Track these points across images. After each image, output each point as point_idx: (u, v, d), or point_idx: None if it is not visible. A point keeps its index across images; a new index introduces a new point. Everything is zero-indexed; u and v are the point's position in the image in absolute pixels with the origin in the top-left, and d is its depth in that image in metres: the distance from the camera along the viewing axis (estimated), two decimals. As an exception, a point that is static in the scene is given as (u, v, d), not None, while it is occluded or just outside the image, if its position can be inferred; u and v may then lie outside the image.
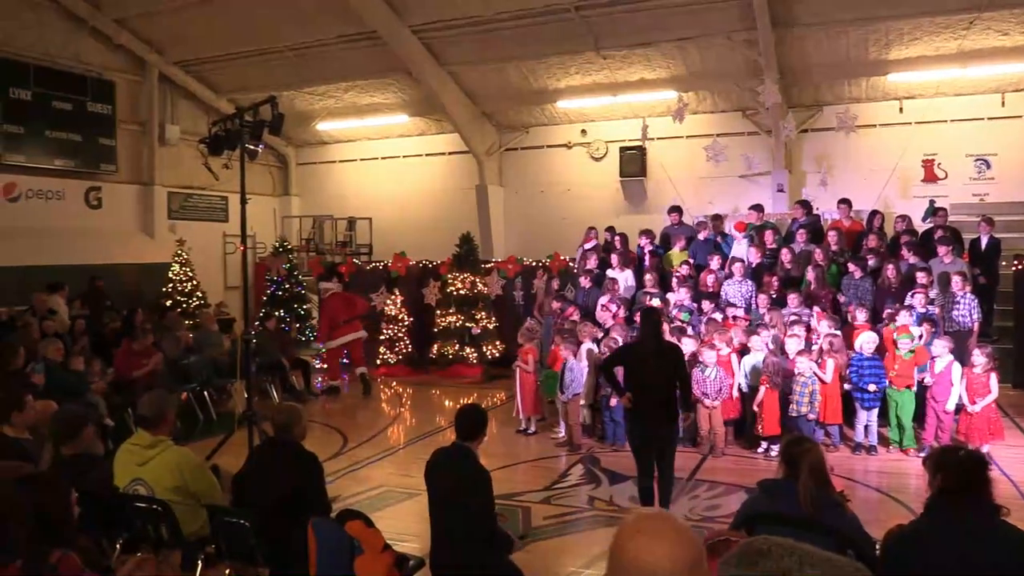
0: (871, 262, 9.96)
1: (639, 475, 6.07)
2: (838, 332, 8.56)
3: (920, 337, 8.22)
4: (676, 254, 11.57)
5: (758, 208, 12.10)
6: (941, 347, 7.79)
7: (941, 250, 9.89)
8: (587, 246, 12.56)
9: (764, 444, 8.08)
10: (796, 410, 7.77)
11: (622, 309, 9.92)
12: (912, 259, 9.94)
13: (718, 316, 9.35)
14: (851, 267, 9.86)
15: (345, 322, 11.80)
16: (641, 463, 6.01)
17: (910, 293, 9.17)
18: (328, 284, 12.51)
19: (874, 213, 11.42)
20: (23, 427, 5.09)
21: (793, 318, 8.78)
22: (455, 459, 4.29)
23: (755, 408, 8.08)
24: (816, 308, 9.16)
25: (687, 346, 8.46)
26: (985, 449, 7.51)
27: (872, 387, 7.89)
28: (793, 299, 9.27)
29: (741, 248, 11.21)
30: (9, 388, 5.86)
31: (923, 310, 8.80)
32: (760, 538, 1.22)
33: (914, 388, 7.92)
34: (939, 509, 3.03)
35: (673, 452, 6.05)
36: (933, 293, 9.29)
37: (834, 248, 10.59)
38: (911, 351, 7.93)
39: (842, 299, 9.68)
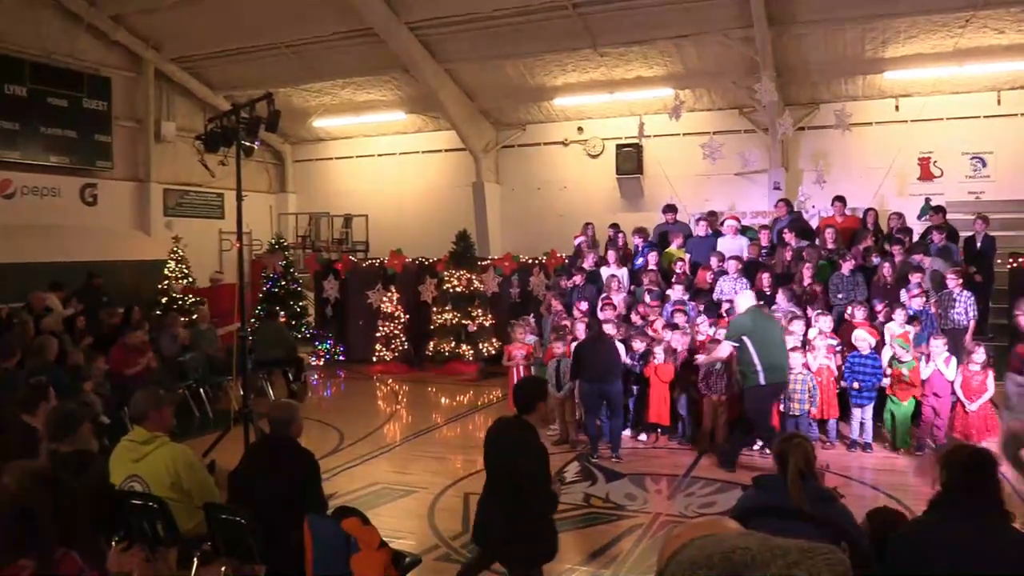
0: (874, 259, 10.01)
1: (588, 423, 8.15)
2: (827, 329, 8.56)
3: (914, 337, 8.23)
4: (674, 251, 11.59)
5: (740, 217, 12.35)
6: (941, 346, 7.80)
7: (916, 258, 9.91)
8: (577, 240, 12.59)
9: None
10: (797, 408, 7.77)
11: (622, 304, 9.98)
12: (908, 258, 9.98)
13: (703, 319, 9.32)
14: (843, 264, 9.88)
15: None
16: (591, 415, 8.06)
17: (906, 293, 9.17)
18: (220, 275, 14.05)
19: (867, 211, 11.47)
20: (42, 420, 5.11)
21: (790, 315, 8.77)
22: (512, 430, 4.35)
23: None
24: (808, 307, 9.17)
25: (677, 342, 8.52)
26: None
27: (855, 384, 7.91)
28: (783, 297, 9.28)
29: (732, 243, 11.23)
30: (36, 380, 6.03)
31: (919, 309, 8.81)
32: (738, 548, 1.15)
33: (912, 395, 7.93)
34: (941, 507, 3.01)
35: (618, 403, 7.98)
36: (927, 286, 9.33)
37: (831, 246, 10.62)
38: (897, 361, 7.89)
39: (839, 296, 9.70)
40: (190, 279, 14.81)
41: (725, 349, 7.47)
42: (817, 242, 11.01)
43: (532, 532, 4.24)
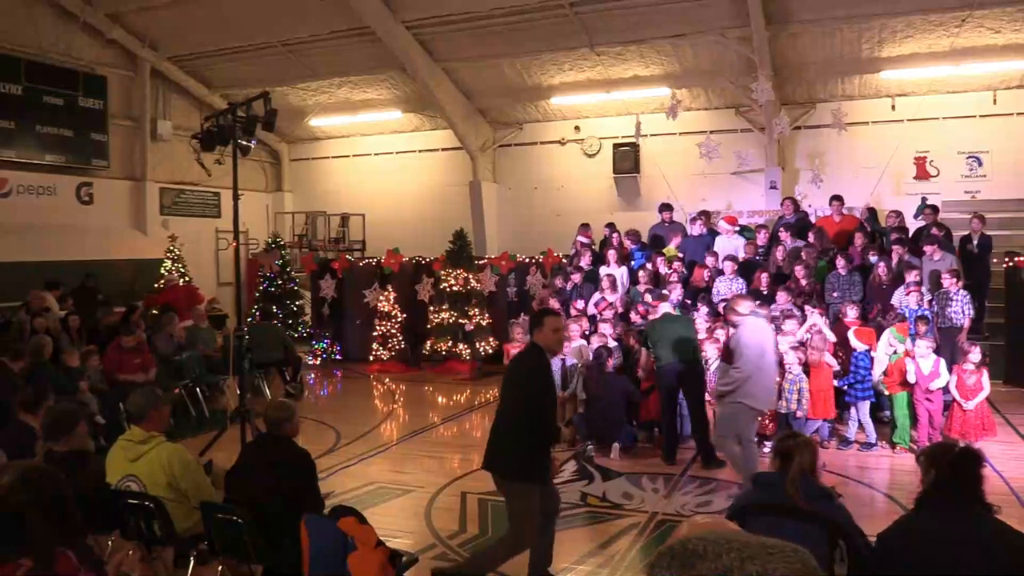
0: (872, 257, 10.02)
1: (583, 441, 8.12)
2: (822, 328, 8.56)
3: (913, 336, 8.23)
4: (670, 250, 11.59)
5: (736, 216, 12.34)
6: (925, 348, 7.80)
7: (928, 249, 9.92)
8: (581, 238, 12.61)
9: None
10: (786, 407, 7.78)
11: (619, 303, 9.96)
12: (906, 256, 9.98)
13: (703, 311, 9.33)
14: (839, 263, 9.89)
15: (186, 310, 12.23)
16: (583, 438, 8.14)
17: (903, 291, 9.18)
18: (171, 275, 14.42)
19: (863, 210, 11.49)
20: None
21: (786, 314, 8.78)
22: (528, 352, 4.81)
23: None
24: (807, 306, 9.17)
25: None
26: (977, 446, 7.55)
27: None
28: (782, 296, 9.28)
29: (729, 243, 11.24)
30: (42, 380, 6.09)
31: (916, 308, 8.82)
32: (693, 538, 1.14)
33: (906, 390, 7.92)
34: (930, 505, 3.04)
35: (621, 426, 8.06)
36: (924, 290, 9.32)
37: (819, 248, 10.61)
38: (896, 353, 7.90)
39: (835, 295, 9.71)
40: (188, 277, 14.81)
41: (643, 355, 8.26)
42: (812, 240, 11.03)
43: (518, 446, 4.47)
